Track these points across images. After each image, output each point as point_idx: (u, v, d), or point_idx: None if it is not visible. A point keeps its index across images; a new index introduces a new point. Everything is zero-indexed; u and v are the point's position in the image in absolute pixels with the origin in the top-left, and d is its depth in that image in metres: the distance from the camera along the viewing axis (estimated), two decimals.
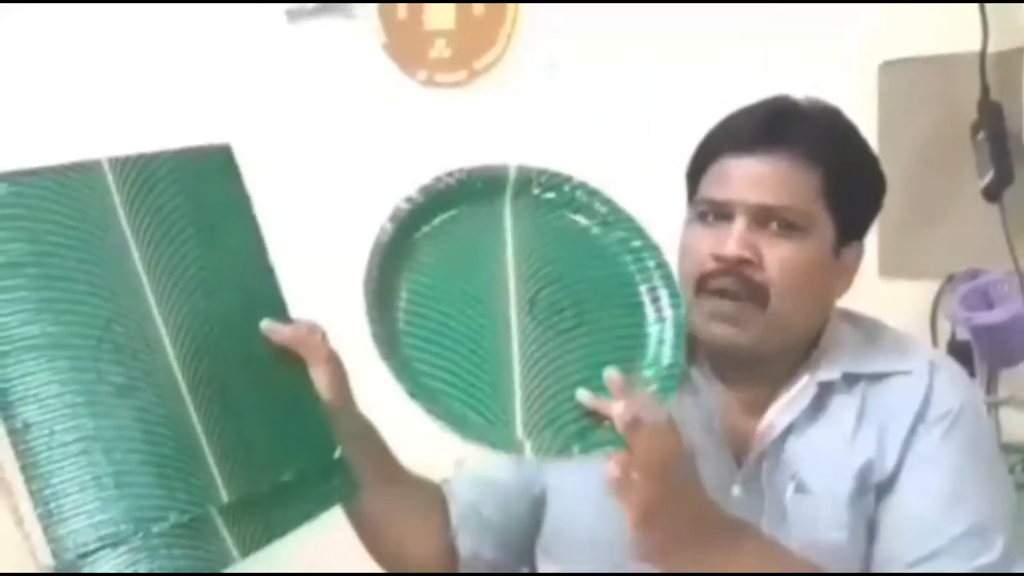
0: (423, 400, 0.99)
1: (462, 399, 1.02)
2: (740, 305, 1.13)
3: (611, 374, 1.01)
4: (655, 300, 1.10)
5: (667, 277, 1.10)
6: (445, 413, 1.00)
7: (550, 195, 1.12)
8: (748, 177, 1.14)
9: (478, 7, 2.07)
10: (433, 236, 1.09)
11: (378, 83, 2.15)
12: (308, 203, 2.13)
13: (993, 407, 1.77)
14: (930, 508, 1.12)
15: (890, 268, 1.84)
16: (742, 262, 1.12)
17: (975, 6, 1.72)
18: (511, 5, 2.05)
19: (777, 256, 1.13)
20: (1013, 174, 1.74)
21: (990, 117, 1.75)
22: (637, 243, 1.11)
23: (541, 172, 1.12)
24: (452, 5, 2.09)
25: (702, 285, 1.15)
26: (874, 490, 1.15)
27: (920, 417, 1.15)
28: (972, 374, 1.77)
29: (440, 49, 2.11)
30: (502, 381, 1.04)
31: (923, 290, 1.84)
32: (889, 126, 1.83)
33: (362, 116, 2.15)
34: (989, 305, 1.75)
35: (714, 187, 1.17)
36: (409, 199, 1.08)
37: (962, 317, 1.76)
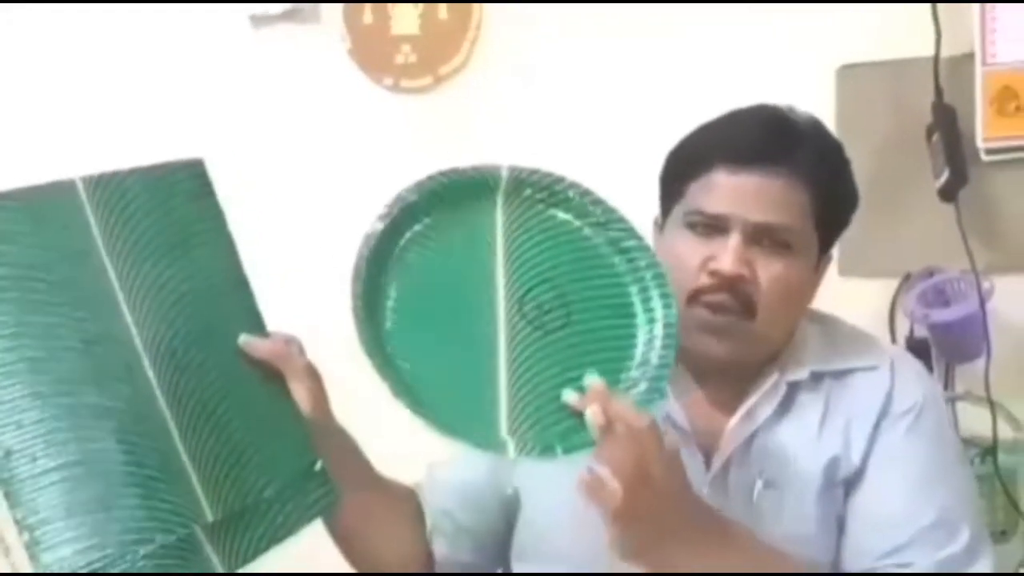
0: (407, 399, 1.00)
1: (447, 398, 1.02)
2: (730, 320, 1.15)
3: (590, 379, 1.02)
4: (646, 300, 1.10)
5: (658, 277, 1.10)
6: (429, 411, 1.00)
7: (542, 195, 1.11)
8: (745, 193, 1.16)
9: (443, 13, 2.09)
10: (423, 235, 1.09)
11: (344, 89, 2.16)
12: (275, 211, 2.13)
13: (950, 402, 1.81)
14: (897, 501, 1.15)
15: (849, 267, 1.86)
16: (740, 279, 1.14)
17: (928, 13, 1.76)
18: (476, 9, 2.06)
19: (769, 273, 1.15)
20: (967, 175, 1.78)
21: (944, 120, 1.79)
22: (629, 243, 1.11)
23: (533, 172, 1.12)
24: (417, 11, 2.09)
25: (694, 297, 1.16)
26: (841, 485, 1.18)
27: (884, 412, 1.18)
28: (930, 370, 1.80)
29: (406, 55, 2.12)
30: (488, 380, 1.04)
31: (882, 288, 1.87)
32: (847, 129, 1.84)
33: (328, 122, 2.16)
34: (946, 303, 1.79)
35: (708, 199, 1.17)
36: (399, 198, 1.08)
37: (919, 315, 1.80)
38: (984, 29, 1.76)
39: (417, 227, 1.08)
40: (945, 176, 1.78)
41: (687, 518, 1.03)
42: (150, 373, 0.99)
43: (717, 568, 1.05)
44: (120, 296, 0.99)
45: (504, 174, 1.11)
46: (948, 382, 1.83)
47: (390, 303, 1.06)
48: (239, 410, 1.04)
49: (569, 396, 1.02)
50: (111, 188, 1.01)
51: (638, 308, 1.10)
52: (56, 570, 0.92)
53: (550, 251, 1.10)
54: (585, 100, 1.99)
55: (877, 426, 1.18)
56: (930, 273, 1.82)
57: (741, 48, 1.90)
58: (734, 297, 1.15)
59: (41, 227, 0.97)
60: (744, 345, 1.17)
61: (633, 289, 1.10)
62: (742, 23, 1.91)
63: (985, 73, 1.77)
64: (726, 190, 1.16)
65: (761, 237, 1.16)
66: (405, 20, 2.11)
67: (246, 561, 1.01)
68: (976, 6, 1.75)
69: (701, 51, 1.93)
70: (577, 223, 1.12)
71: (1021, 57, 1.76)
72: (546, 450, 1.01)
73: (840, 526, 1.18)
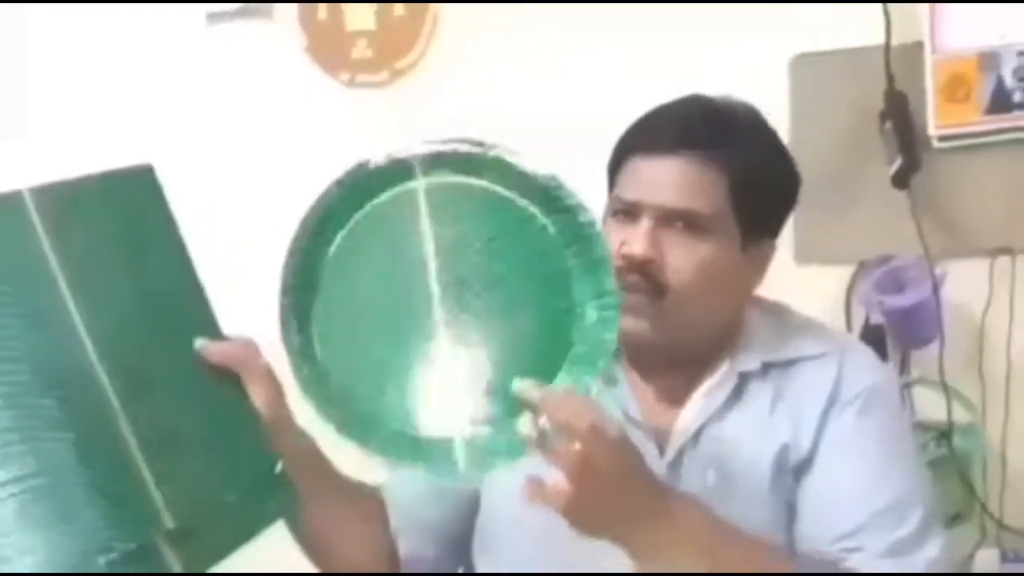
0: (356, 435, 0.99)
1: (391, 420, 1.01)
2: (639, 297, 1.15)
3: (519, 385, 1.00)
4: (587, 265, 1.04)
5: (597, 237, 1.03)
6: (380, 444, 1.00)
7: (462, 167, 1.05)
8: (655, 179, 1.17)
9: (399, 9, 2.08)
10: (347, 238, 1.05)
11: (301, 85, 2.15)
12: (233, 210, 2.13)
13: (906, 387, 1.83)
14: (848, 486, 1.16)
15: (805, 255, 1.89)
16: (646, 262, 1.15)
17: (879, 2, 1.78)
18: (431, 5, 2.06)
19: (680, 255, 1.16)
20: (920, 161, 1.81)
21: (896, 107, 1.81)
22: (568, 203, 1.04)
23: (450, 142, 1.06)
24: (372, 7, 2.09)
25: None
26: (792, 473, 1.19)
27: (833, 399, 1.19)
28: (886, 357, 1.83)
29: (362, 50, 2.11)
30: (428, 381, 1.02)
31: (837, 275, 1.90)
32: (801, 117, 1.87)
33: (285, 119, 2.15)
34: (900, 289, 1.81)
35: (625, 187, 1.20)
36: (318, 201, 1.05)
37: (874, 301, 1.82)
38: (933, 17, 1.79)
39: (341, 231, 1.05)
40: (898, 163, 1.80)
41: (641, 498, 1.03)
42: (105, 381, 0.99)
43: (676, 542, 1.05)
44: (72, 305, 0.99)
45: (419, 153, 1.05)
46: (904, 367, 1.86)
47: (317, 315, 1.04)
48: (197, 415, 1.04)
49: (520, 387, 1.00)
50: (59, 197, 1.00)
51: (578, 276, 1.04)
52: None
53: (479, 229, 1.04)
54: (540, 95, 2.00)
55: (826, 412, 1.19)
56: (885, 260, 1.84)
57: (695, 39, 1.91)
58: (645, 279, 1.16)
59: None
60: (660, 325, 1.17)
61: (569, 252, 1.04)
62: (695, 14, 1.92)
63: (935, 61, 1.80)
64: (641, 176, 1.19)
65: (672, 220, 1.17)
66: (360, 16, 2.11)
67: (207, 566, 1.01)
68: None
69: (654, 44, 1.94)
70: (505, 192, 1.05)
71: (969, 44, 1.78)
72: (496, 459, 1.00)
73: (791, 514, 1.19)
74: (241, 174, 2.17)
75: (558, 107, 1.96)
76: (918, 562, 1.14)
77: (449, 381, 1.03)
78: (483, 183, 1.05)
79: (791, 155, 1.26)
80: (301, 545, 1.23)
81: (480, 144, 1.05)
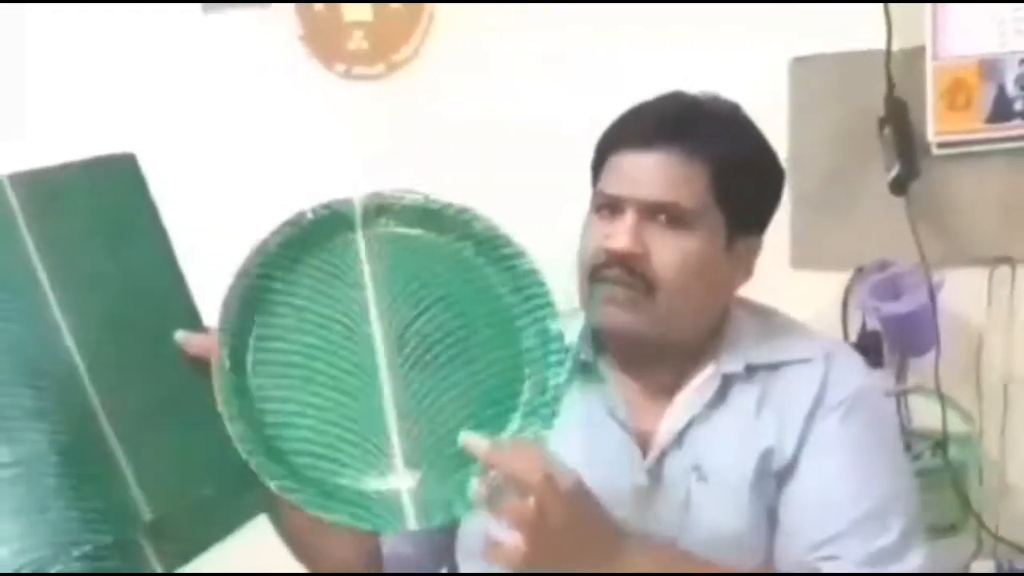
0: (298, 496, 0.97)
1: (334, 477, 0.99)
2: (628, 292, 1.15)
3: (466, 439, 1.00)
4: (532, 313, 1.05)
5: (541, 284, 1.05)
6: (318, 499, 0.97)
7: (402, 217, 1.05)
8: (638, 173, 1.17)
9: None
10: (282, 293, 1.03)
11: (296, 76, 2.12)
12: (224, 201, 2.10)
13: (903, 395, 1.82)
14: (829, 492, 1.15)
15: (802, 260, 1.88)
16: (631, 256, 1.15)
17: (880, 6, 1.76)
18: None
19: (665, 249, 1.15)
20: (918, 168, 1.79)
21: (896, 113, 1.80)
22: (506, 250, 1.05)
23: (389, 195, 1.05)
24: None
25: (594, 275, 1.17)
26: (774, 477, 1.18)
27: (817, 404, 1.18)
28: (882, 363, 1.82)
29: (358, 41, 2.09)
30: (377, 443, 1.00)
31: (834, 281, 1.88)
32: (799, 121, 1.86)
33: (280, 109, 2.12)
34: (897, 296, 1.80)
35: (608, 182, 1.19)
36: (254, 252, 1.03)
37: (871, 307, 1.81)
38: (935, 23, 1.77)
39: (277, 284, 1.03)
40: (896, 169, 1.78)
41: (599, 546, 1.03)
42: (83, 373, 0.98)
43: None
44: (51, 296, 0.98)
45: (357, 203, 1.04)
46: (900, 375, 1.85)
47: (254, 371, 1.01)
48: (176, 408, 1.03)
49: (466, 440, 1.00)
50: (40, 185, 0.99)
51: (524, 324, 1.05)
52: None
53: (421, 279, 1.04)
54: (536, 92, 1.98)
55: (810, 417, 1.18)
56: (883, 266, 1.83)
57: (693, 41, 1.89)
58: (630, 274, 1.15)
59: None
60: (650, 319, 1.16)
61: (514, 300, 1.05)
62: (692, 14, 1.90)
63: (936, 67, 1.78)
64: (623, 171, 1.18)
65: (655, 214, 1.16)
66: (357, 7, 2.09)
67: (186, 560, 1.01)
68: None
69: (653, 44, 1.92)
70: (445, 240, 1.05)
71: (971, 51, 1.77)
72: (446, 513, 0.99)
73: (773, 520, 1.18)
74: (234, 164, 2.14)
75: (553, 104, 1.94)
76: (895, 574, 1.13)
77: (394, 434, 1.01)
78: (424, 233, 1.05)
79: (774, 149, 1.25)
80: (284, 541, 1.23)
81: (420, 195, 1.05)
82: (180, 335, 1.04)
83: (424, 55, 2.07)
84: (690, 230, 1.16)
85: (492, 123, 1.97)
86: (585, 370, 1.23)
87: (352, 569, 1.26)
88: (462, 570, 1.28)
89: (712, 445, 1.18)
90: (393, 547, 1.28)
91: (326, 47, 2.12)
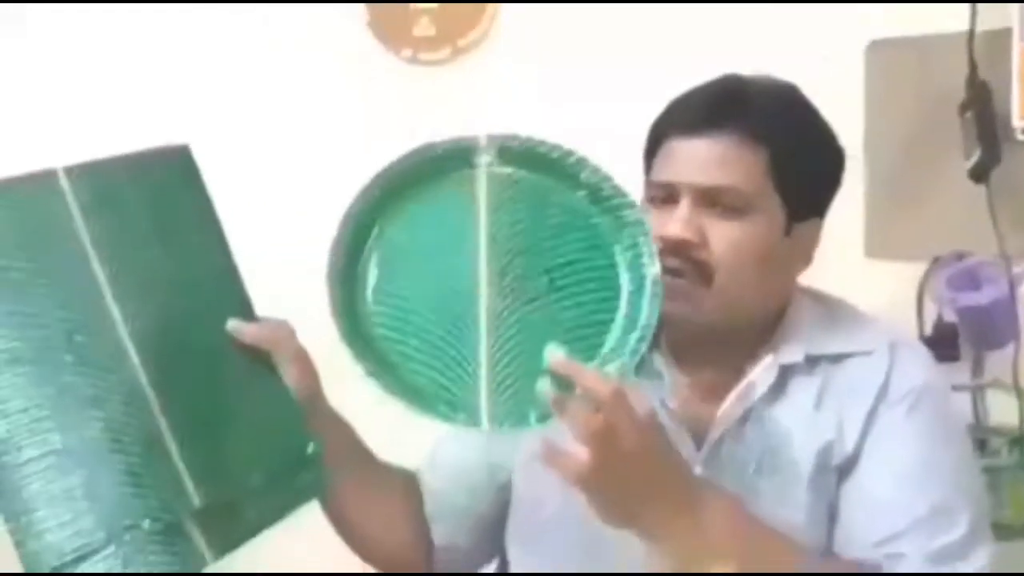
0: (380, 378, 1.00)
1: (426, 375, 1.03)
2: (684, 282, 1.12)
3: (551, 353, 0.98)
4: (633, 260, 1.07)
5: (645, 234, 1.07)
6: (403, 387, 1.01)
7: (522, 160, 1.09)
8: (692, 159, 1.14)
9: None
10: (403, 212, 1.08)
11: (362, 61, 2.13)
12: (288, 189, 2.12)
13: (979, 390, 1.77)
14: (892, 488, 1.12)
15: (876, 249, 1.83)
16: (686, 244, 1.12)
17: None
18: None
19: (722, 236, 1.13)
20: (1000, 154, 1.73)
21: (978, 96, 1.73)
22: (615, 201, 1.08)
23: (512, 137, 1.09)
24: None
25: None
26: (834, 472, 1.15)
27: (880, 397, 1.15)
28: (958, 357, 1.76)
29: (424, 27, 2.09)
30: (469, 356, 1.04)
31: (910, 272, 1.83)
32: (876, 106, 1.81)
33: (347, 95, 2.13)
34: (976, 287, 1.74)
35: (661, 169, 1.17)
36: (377, 176, 1.07)
37: (948, 298, 1.75)
38: None
39: (397, 204, 1.07)
40: (977, 156, 1.72)
41: (667, 486, 1.00)
42: (136, 361, 0.99)
43: (702, 538, 1.01)
44: (104, 285, 0.99)
45: (482, 142, 1.09)
46: (977, 369, 1.79)
47: (371, 282, 1.06)
48: (228, 396, 1.04)
49: (552, 356, 0.99)
50: (94, 177, 1.01)
51: (622, 268, 1.07)
52: (42, 558, 0.93)
53: (531, 218, 1.08)
54: (603, 76, 1.95)
55: (873, 412, 1.14)
56: (960, 257, 1.77)
57: (768, 24, 1.86)
58: (686, 262, 1.12)
59: (20, 217, 0.97)
60: (708, 309, 1.13)
61: (617, 248, 1.07)
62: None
63: (1022, 49, 1.71)
64: (676, 158, 1.16)
65: (713, 201, 1.13)
66: None
67: (235, 546, 1.02)
68: None
69: (727, 27, 1.88)
70: (560, 186, 1.09)
71: None
72: (520, 420, 1.01)
73: (832, 515, 1.15)
74: (298, 153, 2.15)
75: (621, 88, 1.91)
76: (961, 572, 1.09)
77: (483, 348, 1.04)
78: (541, 177, 1.09)
79: (832, 130, 1.21)
80: (334, 525, 1.23)
81: (542, 142, 1.09)
82: (232, 324, 1.05)
83: (490, 40, 2.06)
84: (748, 216, 1.13)
85: (556, 110, 1.95)
86: (640, 364, 1.21)
87: (402, 556, 1.26)
88: (511, 559, 1.27)
89: (769, 438, 1.15)
90: (445, 536, 1.27)
91: (392, 33, 2.12)
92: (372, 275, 1.06)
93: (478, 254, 1.06)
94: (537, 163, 1.09)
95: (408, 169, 1.07)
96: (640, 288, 1.06)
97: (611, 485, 0.97)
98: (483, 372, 1.03)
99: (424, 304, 1.05)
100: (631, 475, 0.96)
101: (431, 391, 1.02)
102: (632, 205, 1.07)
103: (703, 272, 1.13)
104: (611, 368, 1.02)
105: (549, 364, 0.98)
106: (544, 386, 0.96)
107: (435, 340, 1.04)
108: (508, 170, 1.09)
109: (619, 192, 1.07)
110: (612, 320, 1.06)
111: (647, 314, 1.05)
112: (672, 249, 1.12)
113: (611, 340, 1.05)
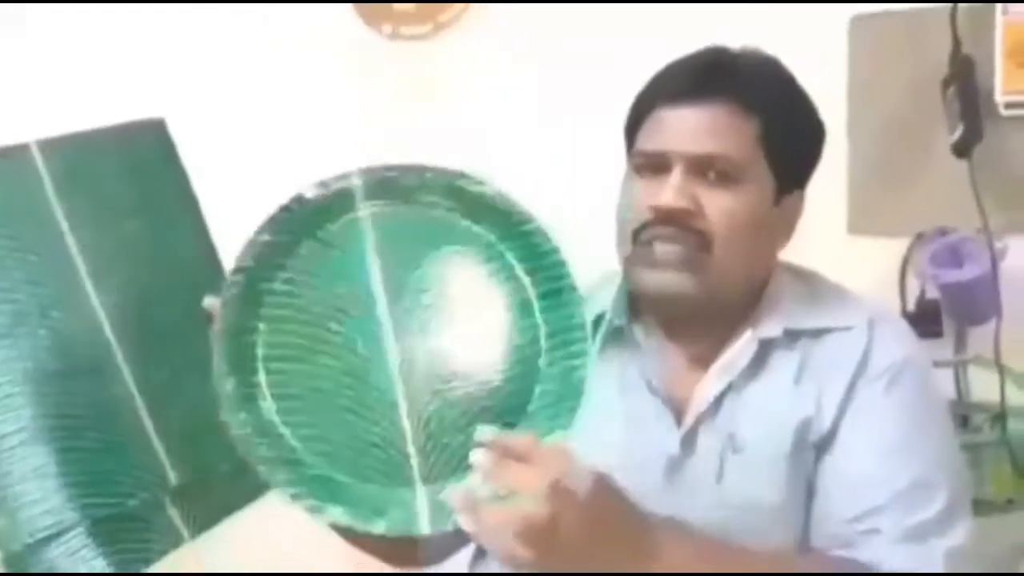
0: (306, 496, 0.90)
1: (345, 477, 0.92)
2: (676, 249, 1.11)
3: (480, 435, 0.91)
4: (552, 293, 0.97)
5: (562, 265, 0.96)
6: (331, 501, 0.90)
7: (407, 193, 0.97)
8: (683, 127, 1.13)
9: None
10: (286, 284, 0.96)
11: (343, 37, 2.10)
12: (267, 165, 2.09)
13: (961, 366, 1.77)
14: (870, 463, 1.11)
15: (859, 226, 1.83)
16: (681, 212, 1.11)
17: None
18: None
19: (717, 205, 1.12)
20: (982, 130, 1.72)
21: (961, 71, 1.72)
22: (524, 228, 0.96)
23: (391, 169, 0.97)
24: None
25: (639, 235, 1.13)
26: (812, 448, 1.14)
27: (859, 373, 1.14)
28: (940, 333, 1.76)
29: (404, 2, 2.07)
30: (391, 440, 0.94)
31: (892, 248, 1.83)
32: (859, 81, 1.80)
33: (327, 71, 2.11)
34: (958, 263, 1.74)
35: (649, 138, 1.15)
36: (252, 242, 0.96)
37: (931, 275, 1.75)
38: None
39: (281, 270, 0.96)
40: (960, 131, 1.71)
41: (622, 539, 0.96)
42: (110, 337, 0.98)
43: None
44: (79, 261, 0.98)
45: (357, 181, 0.97)
46: (959, 345, 1.79)
47: (259, 365, 0.95)
48: (204, 375, 1.00)
49: (484, 439, 0.91)
50: (67, 151, 1.00)
51: (543, 307, 0.97)
52: (14, 535, 0.92)
53: (429, 254, 0.97)
54: (583, 50, 1.94)
55: (851, 387, 1.13)
56: (943, 232, 1.77)
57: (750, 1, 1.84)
58: (684, 231, 1.11)
59: None
60: (701, 280, 1.12)
61: (532, 281, 0.97)
62: None
63: (1006, 23, 1.70)
64: (665, 126, 1.14)
65: (705, 169, 1.12)
66: None
67: (211, 524, 1.02)
68: None
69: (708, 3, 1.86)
70: (457, 217, 0.97)
71: None
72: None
73: (810, 491, 1.14)
74: (278, 128, 2.13)
75: (604, 62, 1.90)
76: (937, 549, 1.08)
77: (409, 434, 0.95)
78: (431, 210, 0.98)
79: (814, 103, 1.20)
80: None
81: (423, 168, 0.98)
82: (208, 301, 1.02)
83: (471, 15, 2.04)
84: (740, 184, 1.12)
85: (539, 84, 1.94)
86: (618, 336, 1.20)
87: (393, 544, 1.24)
88: None
89: (748, 413, 1.14)
90: None
91: (372, 8, 2.10)
92: (262, 347, 0.94)
93: (377, 307, 0.96)
94: (423, 193, 0.97)
95: (287, 222, 0.96)
96: (568, 329, 0.94)
97: (559, 563, 0.91)
98: (412, 461, 0.93)
99: (326, 384, 0.94)
100: (580, 549, 0.91)
101: (349, 490, 0.91)
102: (542, 232, 0.97)
103: (702, 240, 1.11)
104: (546, 432, 0.93)
105: (475, 463, 0.90)
106: (459, 502, 0.88)
107: (345, 424, 0.93)
108: (390, 208, 0.97)
109: (527, 218, 0.96)
110: (540, 366, 0.95)
111: (579, 364, 0.94)
112: (666, 218, 1.11)
113: (539, 396, 0.95)
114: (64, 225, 0.98)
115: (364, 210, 0.97)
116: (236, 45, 2.15)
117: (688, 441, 1.15)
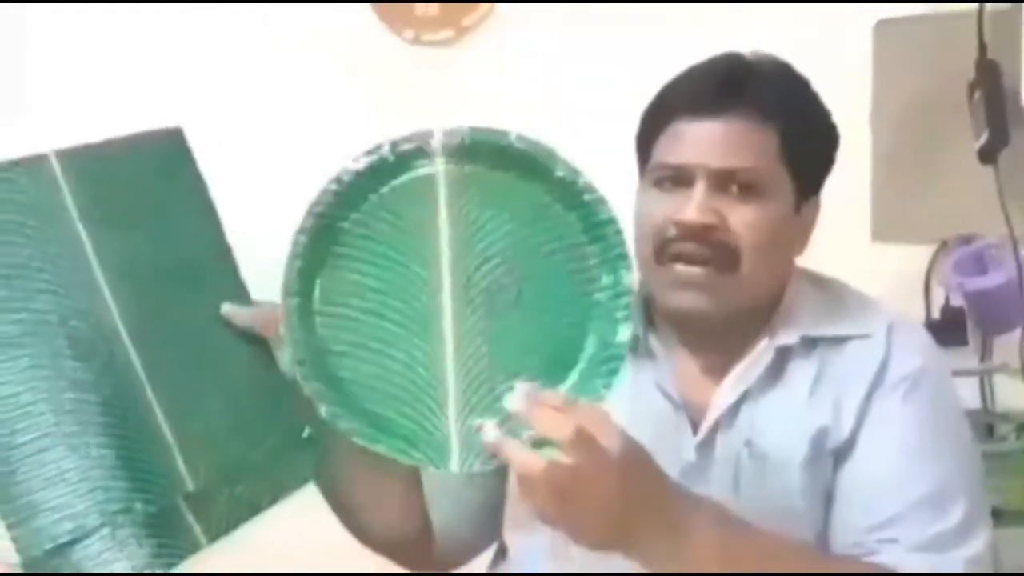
0: (345, 423, 0.96)
1: (390, 410, 0.97)
2: (708, 271, 1.11)
3: (517, 386, 0.92)
4: (608, 263, 0.99)
5: (618, 233, 0.99)
6: (371, 432, 0.96)
7: (484, 156, 0.98)
8: (705, 140, 1.12)
9: None
10: (357, 226, 0.99)
11: (365, 42, 2.11)
12: (291, 169, 2.10)
13: (987, 374, 1.75)
14: (887, 473, 1.10)
15: (883, 233, 1.81)
16: (706, 228, 1.10)
17: None
18: None
19: (741, 219, 1.11)
20: (1008, 135, 1.70)
21: (987, 76, 1.71)
22: (587, 197, 0.98)
23: (473, 130, 0.98)
24: None
25: (662, 251, 1.12)
26: (830, 457, 1.13)
27: (877, 382, 1.13)
28: (966, 341, 1.75)
29: (427, 7, 2.07)
30: (433, 383, 0.97)
31: (917, 255, 1.82)
32: (884, 86, 1.79)
33: (349, 76, 2.12)
34: (983, 270, 1.73)
35: (670, 152, 1.14)
36: (326, 190, 0.98)
37: (955, 283, 1.74)
38: None
39: (352, 217, 0.98)
40: (985, 137, 1.70)
41: (646, 506, 0.94)
42: (129, 344, 0.98)
43: (690, 552, 0.96)
44: (97, 269, 0.98)
45: (439, 138, 0.98)
46: (985, 353, 1.78)
47: (320, 308, 0.98)
48: (222, 380, 1.03)
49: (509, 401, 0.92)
50: (86, 160, 0.99)
51: (598, 274, 0.99)
52: (34, 540, 0.92)
53: (497, 219, 0.99)
54: (606, 55, 1.93)
55: (869, 396, 1.13)
56: (968, 239, 1.76)
57: (775, 3, 1.83)
58: (710, 247, 1.10)
59: (13, 201, 0.95)
60: (728, 298, 1.12)
61: (592, 250, 0.99)
62: None
63: None
64: (686, 140, 1.13)
65: (728, 183, 1.11)
66: None
67: (228, 530, 1.02)
68: None
69: (733, 7, 1.86)
70: (524, 183, 0.99)
71: None
72: (489, 459, 0.94)
73: (828, 500, 1.13)
74: (301, 134, 2.14)
75: (628, 66, 1.90)
76: (955, 559, 1.07)
77: (451, 376, 0.98)
78: (504, 173, 0.99)
79: (826, 107, 1.19)
80: (333, 509, 1.22)
81: (503, 133, 0.99)
82: (226, 308, 1.04)
83: (494, 20, 2.04)
84: (763, 196, 1.12)
85: (561, 89, 1.93)
86: (634, 344, 1.19)
87: (405, 540, 1.25)
88: (510, 546, 1.25)
89: (765, 421, 1.14)
90: (445, 523, 1.26)
91: (395, 13, 2.10)
92: (318, 290, 0.98)
93: (441, 264, 0.99)
94: (498, 157, 0.99)
95: (362, 171, 0.98)
96: (616, 296, 0.98)
97: (584, 523, 0.91)
98: (450, 404, 0.97)
99: (381, 323, 0.98)
100: (605, 510, 0.91)
101: (389, 424, 0.97)
102: (603, 202, 0.99)
103: (730, 257, 1.11)
104: (585, 392, 0.96)
105: (508, 406, 0.91)
106: (491, 435, 0.91)
107: (393, 364, 0.97)
108: (468, 168, 0.99)
109: (589, 188, 0.99)
110: (584, 331, 0.99)
111: (622, 329, 0.98)
112: (691, 234, 1.10)
113: (583, 360, 0.98)
114: (83, 234, 0.98)
115: (439, 166, 0.99)
116: (253, 50, 2.16)
117: (704, 448, 1.15)
